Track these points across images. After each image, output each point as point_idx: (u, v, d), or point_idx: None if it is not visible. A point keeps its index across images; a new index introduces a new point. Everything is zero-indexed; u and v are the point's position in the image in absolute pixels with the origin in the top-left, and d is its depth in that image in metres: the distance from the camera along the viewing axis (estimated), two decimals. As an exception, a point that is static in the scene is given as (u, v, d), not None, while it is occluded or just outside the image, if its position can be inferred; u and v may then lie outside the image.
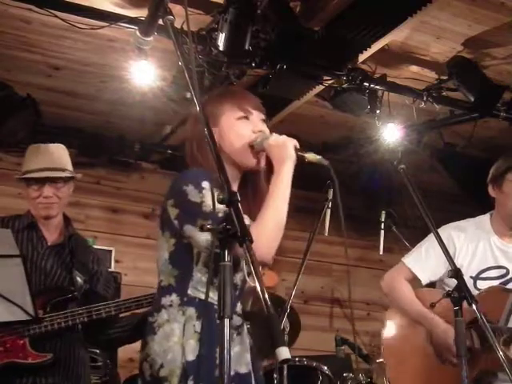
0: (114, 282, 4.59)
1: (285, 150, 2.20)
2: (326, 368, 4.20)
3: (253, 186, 2.36)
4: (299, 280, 4.30)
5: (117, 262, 5.45)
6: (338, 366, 4.38)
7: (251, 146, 2.27)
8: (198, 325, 2.14)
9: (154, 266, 2.33)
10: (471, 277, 2.99)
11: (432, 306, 2.96)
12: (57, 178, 3.15)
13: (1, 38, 4.25)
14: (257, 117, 2.34)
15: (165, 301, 2.21)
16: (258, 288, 1.65)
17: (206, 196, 2.11)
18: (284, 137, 2.24)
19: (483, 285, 3.04)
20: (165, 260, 2.24)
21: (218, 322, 2.08)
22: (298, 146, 2.22)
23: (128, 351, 5.64)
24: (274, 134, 2.29)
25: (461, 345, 2.35)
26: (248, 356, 2.26)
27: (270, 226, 2.11)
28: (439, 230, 3.29)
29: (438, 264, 3.12)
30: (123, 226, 5.92)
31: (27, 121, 4.86)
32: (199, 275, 2.19)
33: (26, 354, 2.91)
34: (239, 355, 2.22)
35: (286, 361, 1.55)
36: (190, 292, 2.18)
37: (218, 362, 2.08)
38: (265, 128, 2.33)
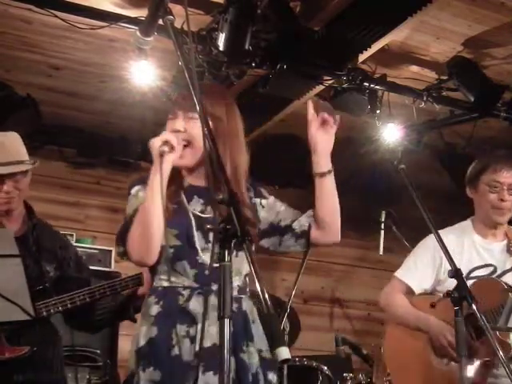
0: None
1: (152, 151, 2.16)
2: (325, 368, 4.19)
3: None
4: (299, 280, 4.29)
5: (117, 261, 5.43)
6: (338, 366, 4.37)
7: None
8: (155, 309, 2.22)
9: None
10: None
11: (432, 305, 2.96)
12: (17, 173, 3.04)
13: (1, 38, 4.25)
14: (181, 116, 2.29)
15: None
16: (259, 288, 1.65)
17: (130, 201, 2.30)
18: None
19: None
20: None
21: (181, 301, 2.18)
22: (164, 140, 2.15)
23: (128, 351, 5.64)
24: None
25: (461, 345, 2.35)
26: None
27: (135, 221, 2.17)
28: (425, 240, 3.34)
29: (427, 272, 3.19)
30: (123, 226, 5.91)
31: (27, 121, 4.85)
32: (161, 266, 2.27)
33: (2, 349, 2.86)
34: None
35: (285, 361, 1.56)
36: (154, 284, 2.29)
37: (174, 342, 2.15)
38: (189, 125, 2.26)
